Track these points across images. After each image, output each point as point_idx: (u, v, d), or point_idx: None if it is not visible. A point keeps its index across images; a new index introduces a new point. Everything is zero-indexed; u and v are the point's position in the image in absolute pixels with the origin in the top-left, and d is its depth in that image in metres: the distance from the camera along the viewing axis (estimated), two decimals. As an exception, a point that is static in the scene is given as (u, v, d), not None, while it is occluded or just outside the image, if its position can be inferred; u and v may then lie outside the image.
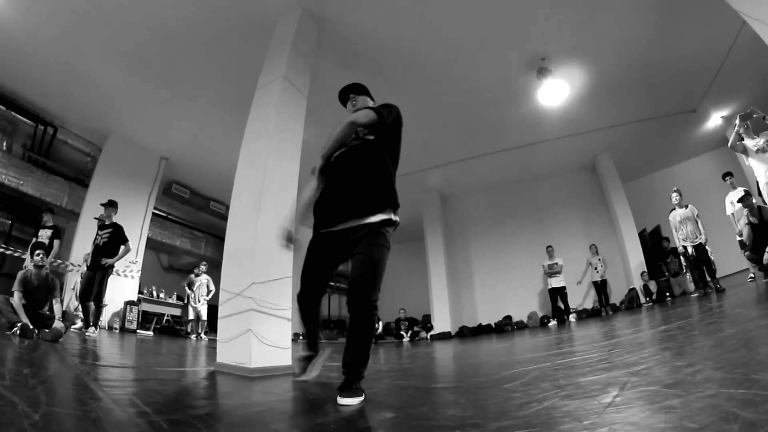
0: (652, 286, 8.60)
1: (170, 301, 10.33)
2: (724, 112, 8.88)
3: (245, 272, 3.36)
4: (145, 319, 9.23)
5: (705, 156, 10.50)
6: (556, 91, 7.04)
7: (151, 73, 6.63)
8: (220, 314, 3.47)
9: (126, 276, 7.92)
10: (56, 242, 6.41)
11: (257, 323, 3.16)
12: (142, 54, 6.20)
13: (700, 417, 1.03)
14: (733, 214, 6.53)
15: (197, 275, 9.29)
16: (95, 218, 6.57)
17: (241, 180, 3.93)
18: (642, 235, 10.16)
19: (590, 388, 1.65)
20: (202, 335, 8.71)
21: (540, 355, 3.52)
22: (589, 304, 9.55)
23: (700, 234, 6.60)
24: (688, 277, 7.91)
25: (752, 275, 6.22)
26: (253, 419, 1.65)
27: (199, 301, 8.92)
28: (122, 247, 6.02)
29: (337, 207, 2.06)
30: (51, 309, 5.00)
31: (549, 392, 1.68)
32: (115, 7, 5.32)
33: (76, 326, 6.10)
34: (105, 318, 7.37)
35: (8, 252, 7.14)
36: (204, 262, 9.58)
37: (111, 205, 6.24)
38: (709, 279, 6.56)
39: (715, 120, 9.19)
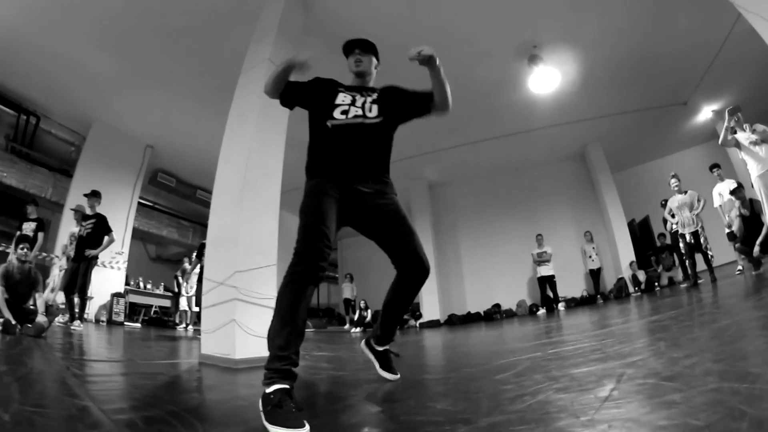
0: (641, 275, 8.65)
1: (158, 292, 10.18)
2: (715, 106, 8.86)
3: (228, 260, 3.25)
4: (133, 311, 9.10)
5: (694, 149, 10.52)
6: (547, 80, 6.96)
7: (136, 59, 6.43)
8: (203, 304, 3.38)
9: (112, 267, 7.76)
10: (41, 235, 6.24)
11: (241, 313, 3.07)
12: (126, 39, 6.01)
13: (705, 414, 0.97)
14: (720, 206, 6.47)
15: (194, 265, 9.07)
16: (72, 209, 6.46)
17: (224, 166, 3.81)
18: (631, 225, 10.20)
19: (585, 381, 1.60)
20: (190, 326, 8.56)
21: (530, 345, 3.47)
22: (578, 293, 9.54)
23: (697, 219, 6.35)
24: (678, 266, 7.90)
25: (740, 267, 6.17)
26: (232, 415, 1.58)
27: (189, 292, 8.74)
28: (106, 238, 5.89)
29: None
30: (34, 303, 4.90)
31: (542, 384, 1.62)
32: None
33: (61, 320, 5.96)
34: (92, 311, 7.23)
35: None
36: None
37: (94, 195, 6.08)
38: (703, 270, 6.44)
39: (705, 113, 9.19)
